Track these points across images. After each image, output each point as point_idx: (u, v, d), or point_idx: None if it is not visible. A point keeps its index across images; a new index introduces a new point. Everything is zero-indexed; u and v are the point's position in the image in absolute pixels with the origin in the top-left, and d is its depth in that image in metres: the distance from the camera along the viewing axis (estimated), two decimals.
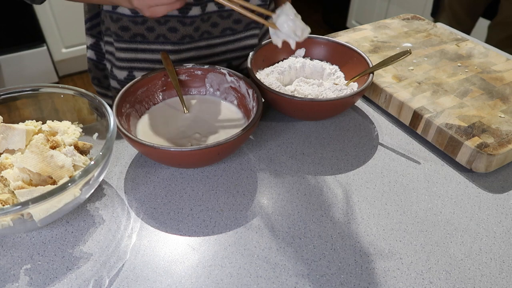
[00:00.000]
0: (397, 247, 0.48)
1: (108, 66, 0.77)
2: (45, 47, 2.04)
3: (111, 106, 0.54)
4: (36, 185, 0.47)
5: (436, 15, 1.87)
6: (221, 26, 0.72)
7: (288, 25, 0.54)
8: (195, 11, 0.68)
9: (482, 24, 1.78)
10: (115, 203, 0.53)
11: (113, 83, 0.78)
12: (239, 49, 0.76)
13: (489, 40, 1.63)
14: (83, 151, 0.54)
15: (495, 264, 0.47)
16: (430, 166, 0.59)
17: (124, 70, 0.74)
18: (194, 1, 0.67)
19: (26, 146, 0.52)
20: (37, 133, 0.54)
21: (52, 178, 0.47)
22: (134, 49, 0.72)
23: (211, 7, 0.69)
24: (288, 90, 0.65)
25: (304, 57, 0.73)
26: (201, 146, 0.50)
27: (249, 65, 0.65)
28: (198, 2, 0.67)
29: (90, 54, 0.82)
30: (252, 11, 0.55)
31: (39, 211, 0.43)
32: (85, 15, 0.78)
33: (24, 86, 0.55)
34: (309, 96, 0.64)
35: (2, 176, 0.47)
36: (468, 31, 1.75)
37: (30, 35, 1.98)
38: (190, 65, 0.64)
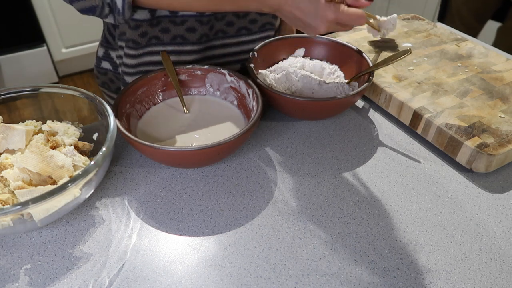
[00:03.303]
0: (397, 247, 0.48)
1: (120, 71, 0.76)
2: (45, 47, 2.03)
3: (111, 106, 0.54)
4: (36, 185, 0.47)
5: (443, 20, 1.86)
6: (236, 26, 0.72)
7: None
8: None
9: (487, 26, 1.76)
10: (115, 203, 0.53)
11: None
12: None
13: (498, 44, 1.60)
14: (83, 151, 0.54)
15: (495, 264, 0.47)
16: (430, 166, 0.59)
17: (140, 74, 0.73)
18: None
19: (26, 146, 0.52)
20: (37, 133, 0.54)
21: (52, 178, 0.47)
22: (149, 52, 0.71)
23: None
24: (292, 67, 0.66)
25: (304, 56, 0.73)
26: (201, 146, 0.50)
27: (249, 64, 0.65)
28: None
29: (104, 64, 0.80)
30: None
31: (39, 211, 0.43)
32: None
33: (24, 86, 0.55)
34: (312, 75, 0.65)
35: (2, 176, 0.47)
36: (475, 35, 1.73)
37: (30, 35, 1.98)
38: (190, 65, 0.64)
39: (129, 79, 0.74)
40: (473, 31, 1.72)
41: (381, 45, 0.80)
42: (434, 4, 1.98)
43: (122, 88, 0.77)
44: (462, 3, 1.72)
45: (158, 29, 0.68)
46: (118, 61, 0.76)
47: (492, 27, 1.74)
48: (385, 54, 0.77)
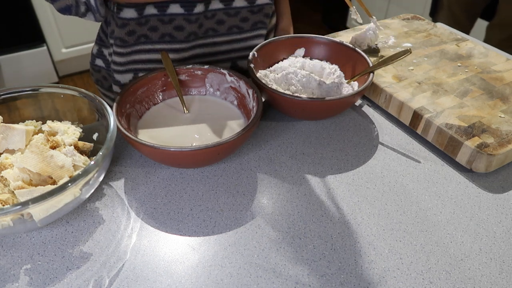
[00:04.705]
0: (397, 247, 0.48)
1: (111, 69, 0.77)
2: (45, 47, 2.04)
3: (111, 106, 0.54)
4: (36, 185, 0.47)
5: (435, 15, 1.87)
6: (227, 24, 0.72)
7: None
8: (199, 8, 0.68)
9: (481, 25, 1.77)
10: (115, 203, 0.53)
11: (115, 88, 0.77)
12: (244, 49, 0.76)
13: (488, 41, 1.63)
14: (83, 151, 0.54)
15: (495, 264, 0.47)
16: (430, 166, 0.59)
17: (129, 72, 0.73)
18: None
19: (26, 146, 0.52)
20: (37, 133, 0.54)
21: (52, 178, 0.47)
22: (138, 50, 0.71)
23: (215, 4, 0.69)
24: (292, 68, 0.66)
25: (304, 56, 0.73)
26: (201, 146, 0.50)
27: (249, 64, 0.65)
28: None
29: (99, 62, 0.81)
30: None
31: (39, 211, 0.43)
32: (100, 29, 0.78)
33: (24, 86, 0.55)
34: (312, 75, 0.65)
35: (2, 176, 0.47)
36: (466, 32, 1.75)
37: (30, 35, 1.98)
38: (190, 65, 0.64)
39: (119, 77, 0.74)
40: (464, 28, 1.73)
41: (381, 45, 0.80)
42: None
43: (113, 86, 0.77)
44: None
45: (147, 28, 0.69)
46: (109, 59, 0.76)
47: (482, 24, 1.76)
48: (385, 54, 0.77)
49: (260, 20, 0.75)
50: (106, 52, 0.78)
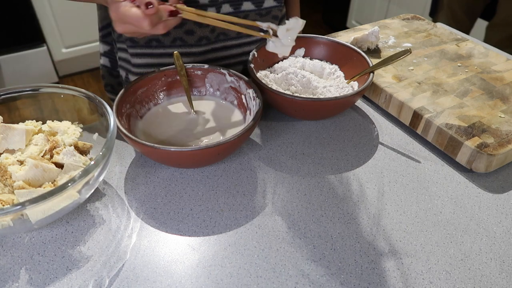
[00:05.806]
0: (397, 247, 0.48)
1: (123, 73, 0.76)
2: (45, 47, 2.03)
3: (111, 106, 0.54)
4: (35, 186, 0.47)
5: (435, 14, 1.87)
6: None
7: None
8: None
9: (481, 24, 1.77)
10: (115, 203, 0.53)
11: None
12: None
13: (487, 41, 1.63)
14: (83, 151, 0.54)
15: (495, 264, 0.47)
16: (430, 166, 0.59)
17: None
18: (208, 2, 0.67)
19: (26, 146, 0.52)
20: (37, 133, 0.54)
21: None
22: (149, 54, 0.71)
23: (226, 8, 0.69)
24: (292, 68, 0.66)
25: (303, 56, 0.73)
26: (201, 146, 0.50)
27: (249, 65, 0.65)
28: (213, 3, 0.67)
29: (104, 61, 0.81)
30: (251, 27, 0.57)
31: (39, 211, 0.43)
32: (100, 23, 0.78)
33: (24, 86, 0.55)
34: (312, 76, 0.65)
35: (2, 176, 0.47)
36: (466, 32, 1.75)
37: (30, 35, 1.98)
38: (190, 65, 0.65)
39: (133, 78, 0.74)
40: (464, 27, 1.74)
41: (381, 45, 0.80)
42: None
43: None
44: None
45: None
46: (120, 63, 0.76)
47: (482, 24, 1.76)
48: (385, 54, 0.77)
49: (269, 22, 0.75)
50: (116, 51, 0.78)
